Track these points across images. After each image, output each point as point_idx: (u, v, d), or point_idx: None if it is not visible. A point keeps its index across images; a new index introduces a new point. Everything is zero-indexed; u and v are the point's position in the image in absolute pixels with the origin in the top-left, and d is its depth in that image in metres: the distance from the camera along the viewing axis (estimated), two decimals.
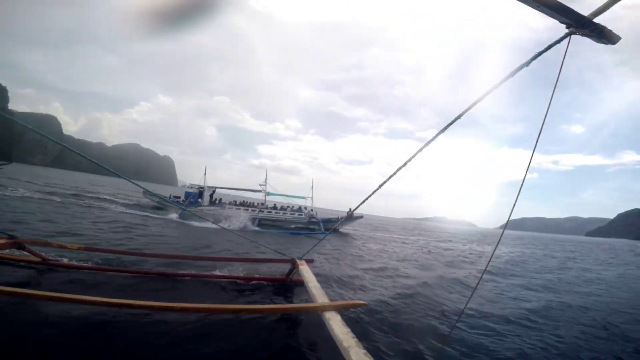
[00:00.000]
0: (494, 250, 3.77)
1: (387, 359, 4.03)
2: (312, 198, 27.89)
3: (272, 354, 3.68)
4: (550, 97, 2.28)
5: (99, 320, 3.76)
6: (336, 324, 2.83)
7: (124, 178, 4.72)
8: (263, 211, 26.09)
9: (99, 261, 6.07)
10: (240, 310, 3.56)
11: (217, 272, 6.43)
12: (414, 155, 3.02)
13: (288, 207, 28.23)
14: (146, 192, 27.34)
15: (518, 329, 5.90)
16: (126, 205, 23.84)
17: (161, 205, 25.72)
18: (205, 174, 28.02)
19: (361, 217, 30.47)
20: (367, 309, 5.21)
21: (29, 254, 5.30)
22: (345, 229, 29.53)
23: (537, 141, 2.40)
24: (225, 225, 18.76)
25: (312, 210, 27.56)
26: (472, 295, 3.98)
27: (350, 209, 28.20)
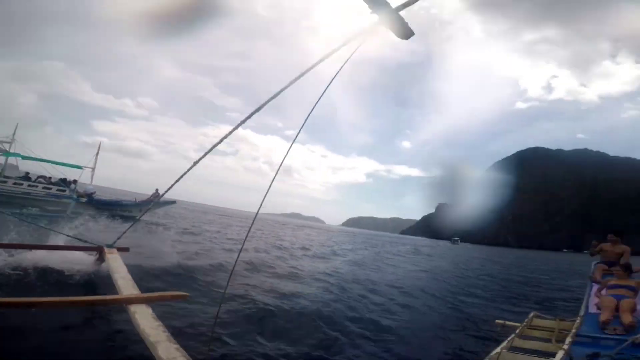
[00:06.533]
0: None
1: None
2: (93, 169, 18.80)
3: (68, 351, 3.26)
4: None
5: None
6: (144, 318, 2.62)
7: None
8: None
9: None
10: (32, 304, 2.96)
11: None
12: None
13: (41, 177, 17.80)
14: None
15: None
16: None
17: None
18: None
19: (173, 202, 22.63)
20: None
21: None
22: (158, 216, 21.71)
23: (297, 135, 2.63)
24: None
25: (89, 186, 19.16)
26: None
27: (156, 190, 19.67)
